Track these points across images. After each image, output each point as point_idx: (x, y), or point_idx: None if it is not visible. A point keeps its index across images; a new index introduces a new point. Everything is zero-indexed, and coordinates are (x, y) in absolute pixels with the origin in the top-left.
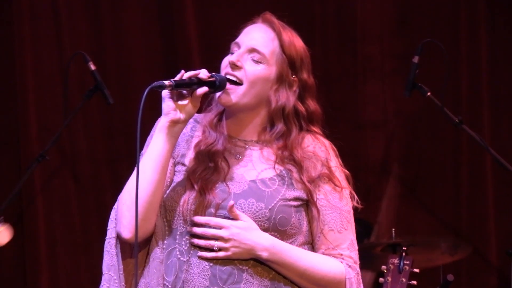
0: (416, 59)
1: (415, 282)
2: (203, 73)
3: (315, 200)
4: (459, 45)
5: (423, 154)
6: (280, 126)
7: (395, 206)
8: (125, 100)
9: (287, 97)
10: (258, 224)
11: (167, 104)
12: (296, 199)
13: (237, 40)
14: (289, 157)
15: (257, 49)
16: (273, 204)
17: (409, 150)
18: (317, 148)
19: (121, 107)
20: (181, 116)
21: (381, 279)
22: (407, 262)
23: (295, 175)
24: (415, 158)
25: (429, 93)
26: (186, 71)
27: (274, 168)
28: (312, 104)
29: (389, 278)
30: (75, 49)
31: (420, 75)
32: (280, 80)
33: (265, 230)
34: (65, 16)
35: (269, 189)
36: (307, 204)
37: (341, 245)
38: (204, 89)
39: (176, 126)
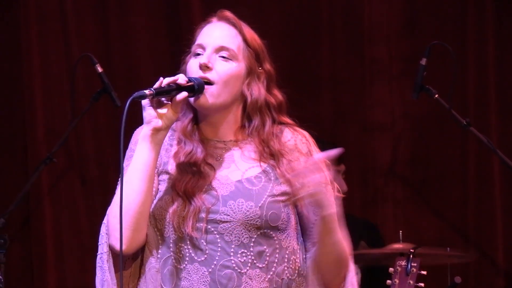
0: (423, 61)
1: (422, 284)
2: (181, 79)
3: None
4: (466, 47)
5: (430, 156)
6: (257, 121)
7: None
8: (132, 102)
9: (259, 90)
10: (250, 223)
11: (148, 112)
12: (283, 193)
13: (199, 41)
14: (269, 152)
15: (225, 46)
16: (262, 202)
17: (416, 152)
18: (298, 140)
19: (128, 109)
20: (163, 123)
21: (388, 281)
22: (415, 264)
23: (278, 170)
24: (423, 160)
25: (436, 95)
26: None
27: (258, 165)
28: (279, 94)
29: (397, 280)
30: (82, 51)
31: (428, 77)
32: (250, 74)
33: (257, 228)
34: (72, 18)
35: (256, 187)
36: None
37: None
38: (183, 95)
39: (159, 133)
